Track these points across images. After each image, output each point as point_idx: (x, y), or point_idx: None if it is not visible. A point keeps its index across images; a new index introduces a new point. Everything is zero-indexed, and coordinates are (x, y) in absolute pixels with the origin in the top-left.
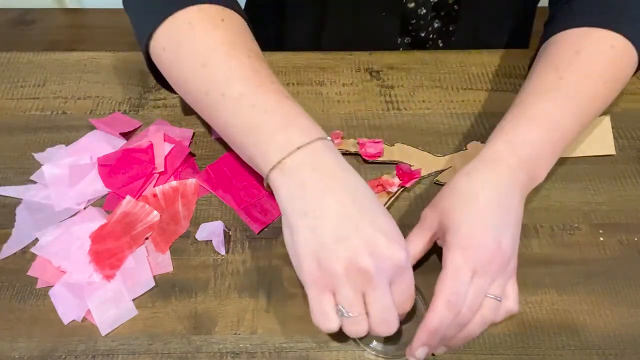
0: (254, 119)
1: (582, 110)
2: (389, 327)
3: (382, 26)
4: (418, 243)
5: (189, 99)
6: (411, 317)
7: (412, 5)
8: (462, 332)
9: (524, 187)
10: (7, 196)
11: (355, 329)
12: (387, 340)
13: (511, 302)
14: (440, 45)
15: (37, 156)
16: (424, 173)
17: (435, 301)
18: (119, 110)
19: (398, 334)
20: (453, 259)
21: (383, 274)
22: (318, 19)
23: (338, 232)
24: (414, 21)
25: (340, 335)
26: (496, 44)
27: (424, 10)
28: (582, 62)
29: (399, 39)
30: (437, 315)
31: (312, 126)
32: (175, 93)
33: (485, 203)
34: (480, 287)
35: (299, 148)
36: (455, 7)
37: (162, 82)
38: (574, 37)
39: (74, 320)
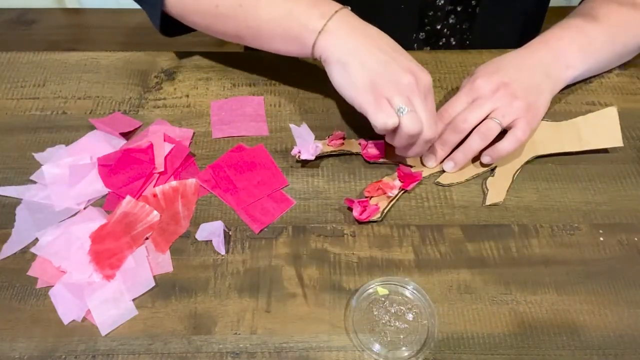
0: (288, 7)
1: (613, 32)
2: (435, 128)
3: (400, 20)
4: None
5: (220, 24)
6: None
7: None
8: (463, 145)
9: (548, 65)
10: (7, 196)
11: (413, 124)
12: (388, 345)
13: (519, 131)
14: (453, 43)
15: (37, 156)
16: (424, 174)
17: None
18: (118, 110)
19: (398, 341)
20: (461, 89)
21: (421, 88)
22: None
23: (382, 61)
24: (431, 13)
25: (339, 336)
26: (507, 45)
27: (442, 1)
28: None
29: (414, 35)
30: (433, 127)
31: (332, 0)
32: (189, 31)
33: (503, 57)
34: (478, 106)
35: (336, 12)
36: (473, 2)
37: (171, 30)
38: None
39: (74, 320)
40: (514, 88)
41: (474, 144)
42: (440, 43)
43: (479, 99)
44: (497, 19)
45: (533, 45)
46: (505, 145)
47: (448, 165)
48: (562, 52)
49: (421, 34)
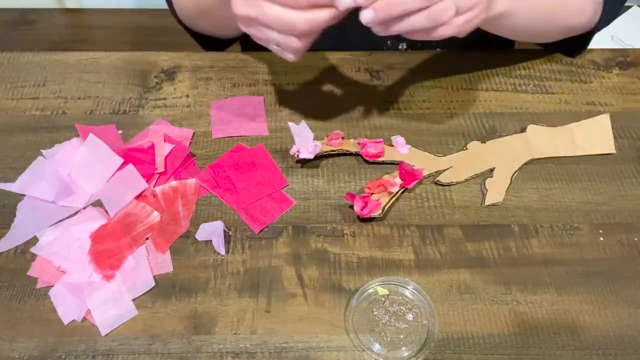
0: None
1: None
2: None
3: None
4: None
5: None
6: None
7: None
8: (405, 20)
9: None
10: (7, 196)
11: None
12: (388, 345)
13: (466, 22)
14: (433, 43)
15: (45, 152)
16: (424, 173)
17: None
18: (119, 110)
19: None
20: None
21: None
22: None
23: None
24: None
25: (339, 336)
26: (485, 42)
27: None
28: None
29: (389, 41)
30: None
31: None
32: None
33: None
34: None
35: None
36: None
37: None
38: None
39: (74, 320)
40: None
41: (418, 24)
42: (419, 44)
43: None
44: None
45: None
46: (440, 30)
47: (367, 15)
48: None
49: (401, 44)
